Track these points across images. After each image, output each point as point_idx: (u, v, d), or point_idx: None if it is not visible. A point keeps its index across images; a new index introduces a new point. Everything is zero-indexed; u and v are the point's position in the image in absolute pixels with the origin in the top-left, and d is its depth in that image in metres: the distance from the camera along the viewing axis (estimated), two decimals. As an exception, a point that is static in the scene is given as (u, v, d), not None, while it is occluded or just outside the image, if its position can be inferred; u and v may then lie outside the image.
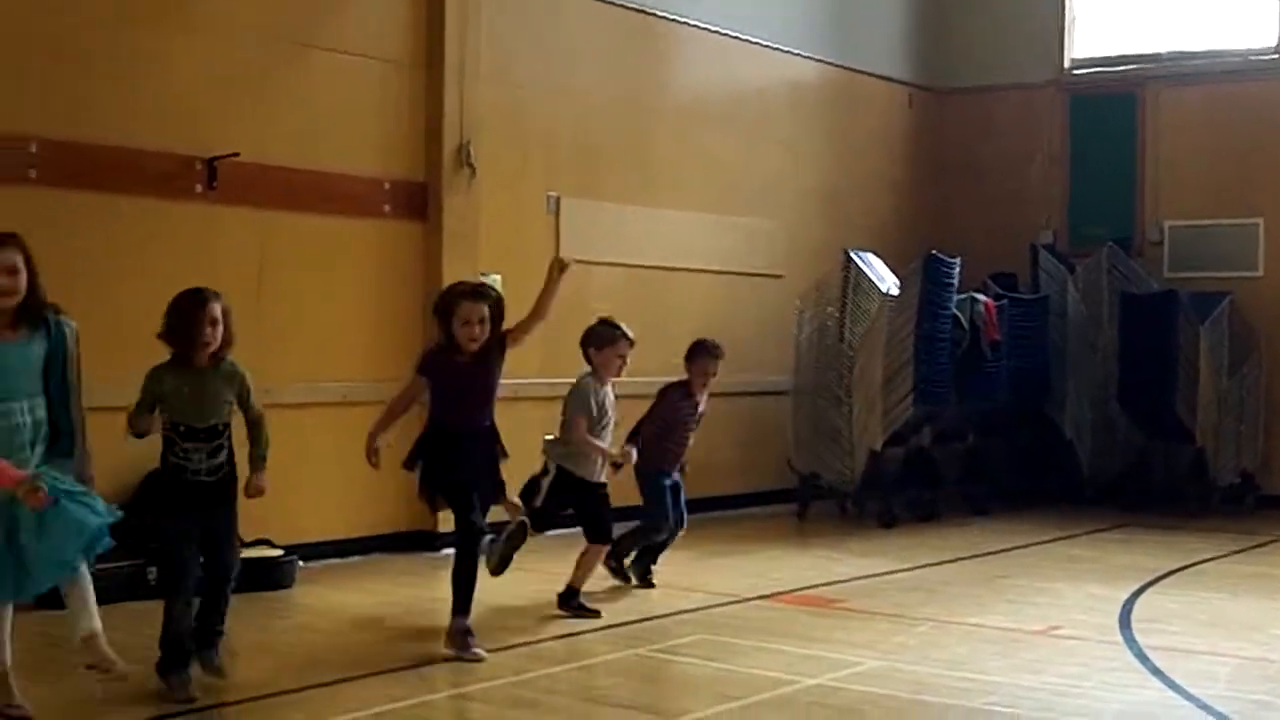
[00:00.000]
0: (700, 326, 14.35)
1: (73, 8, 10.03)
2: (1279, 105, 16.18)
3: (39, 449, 6.77)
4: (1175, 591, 10.84)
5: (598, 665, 8.23)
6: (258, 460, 7.62)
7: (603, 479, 9.52)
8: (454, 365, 8.31)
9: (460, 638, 8.22)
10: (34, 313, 6.78)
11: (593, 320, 9.79)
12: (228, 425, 7.51)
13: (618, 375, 9.51)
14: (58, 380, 6.91)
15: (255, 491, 7.60)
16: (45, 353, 6.82)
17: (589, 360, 9.54)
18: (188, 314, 7.35)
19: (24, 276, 6.75)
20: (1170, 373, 15.14)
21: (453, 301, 8.30)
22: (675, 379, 10.60)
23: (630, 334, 9.54)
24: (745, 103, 15.52)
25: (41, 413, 6.80)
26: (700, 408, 10.40)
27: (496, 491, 8.63)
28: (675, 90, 14.71)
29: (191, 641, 7.41)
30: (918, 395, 14.11)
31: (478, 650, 8.16)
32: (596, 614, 9.31)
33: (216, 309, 7.37)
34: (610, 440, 9.56)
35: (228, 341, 7.46)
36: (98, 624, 6.78)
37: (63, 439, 6.95)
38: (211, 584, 7.51)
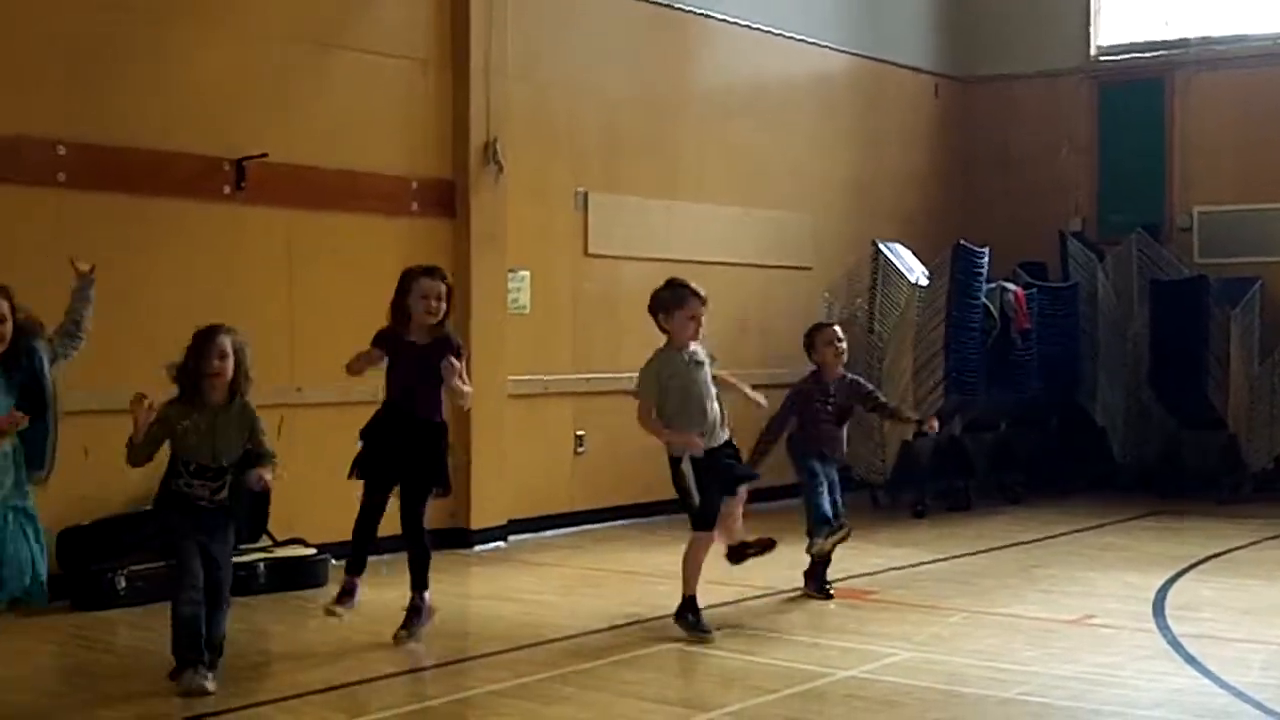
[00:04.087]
0: (730, 320, 14.41)
1: (99, 12, 10.08)
2: (1308, 90, 16.13)
3: (16, 474, 6.99)
4: (1209, 579, 10.81)
5: (633, 660, 8.23)
6: (265, 459, 7.65)
7: (718, 441, 8.82)
8: (407, 345, 8.50)
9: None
10: (14, 358, 6.95)
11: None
12: (234, 463, 7.57)
13: (695, 338, 8.83)
14: (41, 400, 7.09)
15: (256, 480, 7.58)
16: (24, 377, 7.00)
17: (662, 328, 8.89)
18: (193, 348, 7.43)
19: (9, 324, 6.92)
20: (1201, 359, 15.09)
21: (410, 279, 8.55)
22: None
23: (701, 291, 8.88)
24: (771, 95, 15.52)
25: (15, 442, 6.97)
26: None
27: (437, 483, 8.68)
28: (701, 84, 14.72)
29: (204, 639, 7.37)
30: (948, 385, 14.08)
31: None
32: (710, 635, 8.65)
33: (226, 343, 7.44)
34: (712, 414, 8.81)
35: (243, 378, 7.52)
36: None
37: (35, 451, 7.15)
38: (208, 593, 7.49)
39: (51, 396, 7.22)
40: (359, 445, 8.66)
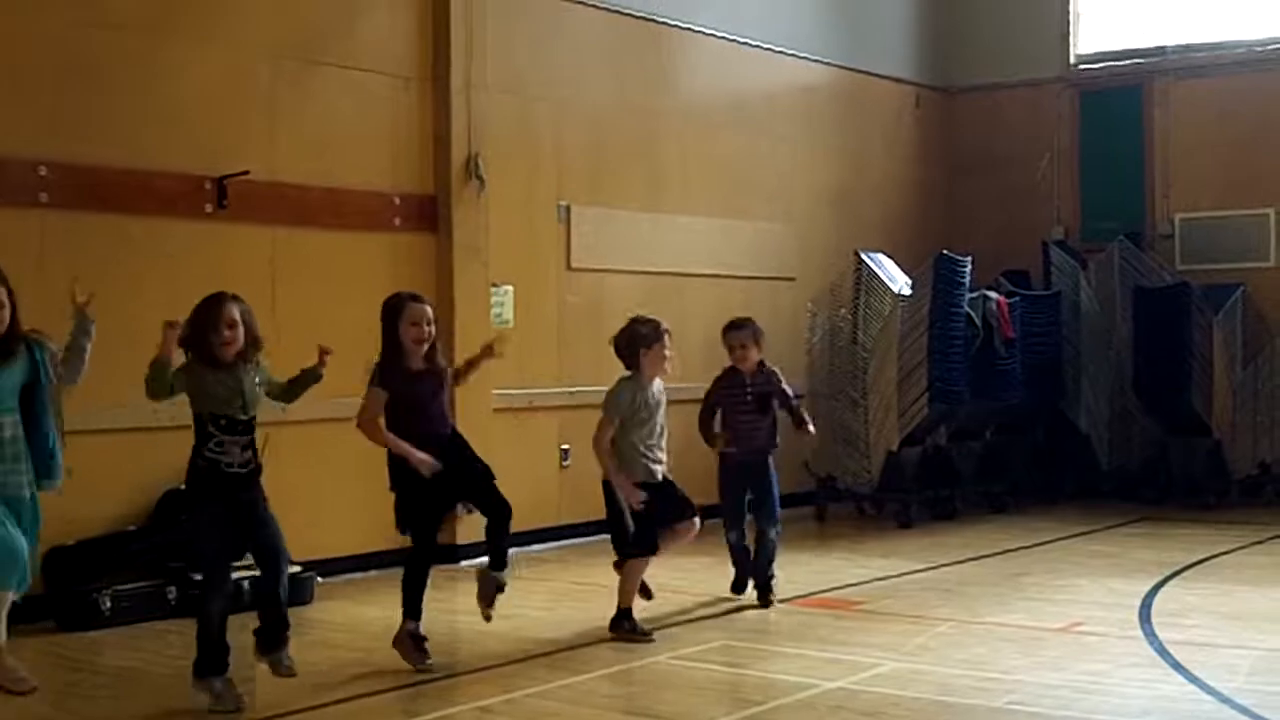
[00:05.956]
0: (713, 332, 14.39)
1: (80, 32, 10.06)
2: (1287, 95, 16.19)
3: (16, 464, 7.01)
4: (1195, 585, 10.82)
5: (619, 673, 8.23)
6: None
7: (658, 477, 9.11)
8: (407, 374, 8.38)
9: (407, 641, 8.33)
10: (12, 343, 6.97)
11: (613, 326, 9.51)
12: (255, 418, 7.60)
13: (666, 371, 9.16)
14: (42, 404, 7.13)
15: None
16: (26, 377, 7.04)
17: (635, 364, 9.11)
18: (204, 315, 7.42)
19: (7, 310, 6.95)
20: (1185, 365, 15.12)
21: (399, 305, 8.43)
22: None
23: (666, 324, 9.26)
24: (753, 107, 15.53)
25: (16, 430, 7.00)
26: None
27: (483, 479, 8.56)
28: (683, 96, 14.73)
29: (228, 645, 7.40)
30: (933, 395, 14.10)
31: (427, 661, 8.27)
32: (649, 637, 8.96)
33: (235, 311, 7.45)
34: (665, 452, 9.18)
35: (252, 343, 7.54)
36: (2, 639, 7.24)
37: (43, 460, 7.21)
38: (264, 564, 7.55)
39: (52, 399, 7.24)
40: (395, 494, 8.52)
